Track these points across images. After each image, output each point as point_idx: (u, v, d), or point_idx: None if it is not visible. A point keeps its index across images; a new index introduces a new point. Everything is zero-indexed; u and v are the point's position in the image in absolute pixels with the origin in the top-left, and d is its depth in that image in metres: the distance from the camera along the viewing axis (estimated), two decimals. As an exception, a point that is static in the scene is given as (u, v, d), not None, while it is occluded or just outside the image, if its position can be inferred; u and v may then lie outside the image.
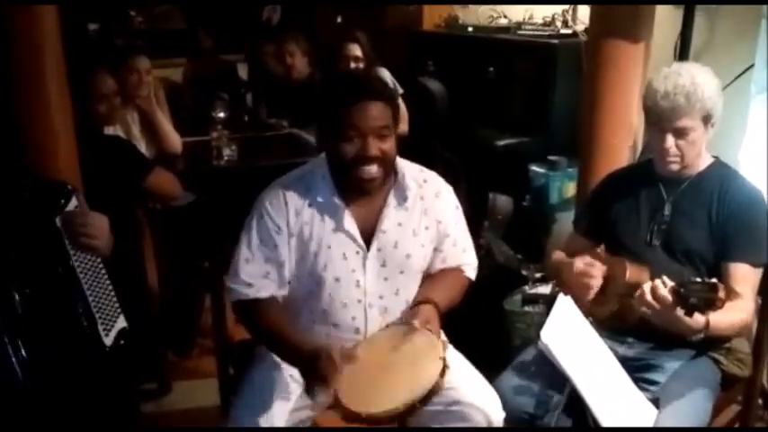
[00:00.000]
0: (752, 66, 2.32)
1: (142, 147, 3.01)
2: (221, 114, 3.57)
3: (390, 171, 1.71)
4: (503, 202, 2.94)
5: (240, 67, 5.10)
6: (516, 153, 3.12)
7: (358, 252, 1.71)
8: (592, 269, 1.71)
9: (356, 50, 3.49)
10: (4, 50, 1.95)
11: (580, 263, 1.74)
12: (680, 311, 1.44)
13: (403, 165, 1.77)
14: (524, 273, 2.70)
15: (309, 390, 1.54)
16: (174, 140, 3.20)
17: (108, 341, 1.63)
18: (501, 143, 3.16)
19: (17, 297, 1.52)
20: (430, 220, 1.77)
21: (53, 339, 1.57)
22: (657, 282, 1.49)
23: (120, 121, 2.91)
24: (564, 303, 1.51)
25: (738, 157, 2.37)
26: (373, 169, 1.63)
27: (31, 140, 1.98)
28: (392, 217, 1.73)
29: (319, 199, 1.70)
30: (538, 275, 2.67)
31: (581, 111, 2.46)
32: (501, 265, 2.79)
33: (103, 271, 1.68)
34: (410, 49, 4.09)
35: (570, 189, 2.88)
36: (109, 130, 2.70)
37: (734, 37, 2.41)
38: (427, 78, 3.66)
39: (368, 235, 1.72)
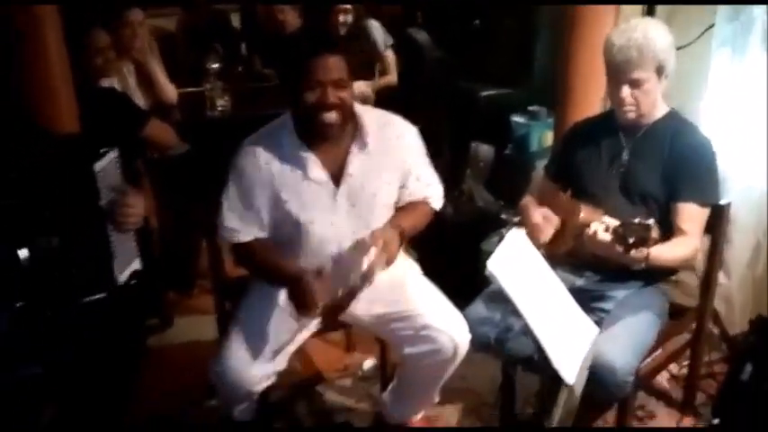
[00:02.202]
0: (712, 25, 2.44)
1: (138, 98, 3.12)
2: (215, 65, 3.66)
3: (348, 117, 1.85)
4: (484, 150, 3.08)
5: (234, 17, 5.14)
6: (499, 104, 3.24)
7: (328, 195, 1.88)
8: (545, 223, 1.90)
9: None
10: (3, 11, 2.07)
11: (537, 216, 1.92)
12: (619, 248, 1.60)
13: (363, 111, 1.92)
14: (504, 217, 2.87)
15: (293, 304, 1.79)
16: (170, 91, 3.31)
17: (121, 279, 1.81)
18: (484, 94, 3.28)
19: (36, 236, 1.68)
20: (393, 161, 1.92)
21: (73, 272, 1.73)
22: (600, 223, 1.66)
23: (117, 73, 3.01)
24: (515, 236, 1.67)
25: (700, 108, 2.50)
26: (332, 116, 1.79)
27: (33, 96, 2.10)
28: (357, 161, 1.88)
29: (287, 150, 1.86)
30: (516, 219, 2.83)
31: (557, 65, 2.58)
32: (481, 210, 2.95)
33: None
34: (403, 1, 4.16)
35: (549, 138, 3.00)
36: (105, 83, 2.80)
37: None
38: (416, 30, 3.76)
39: (336, 179, 1.88)
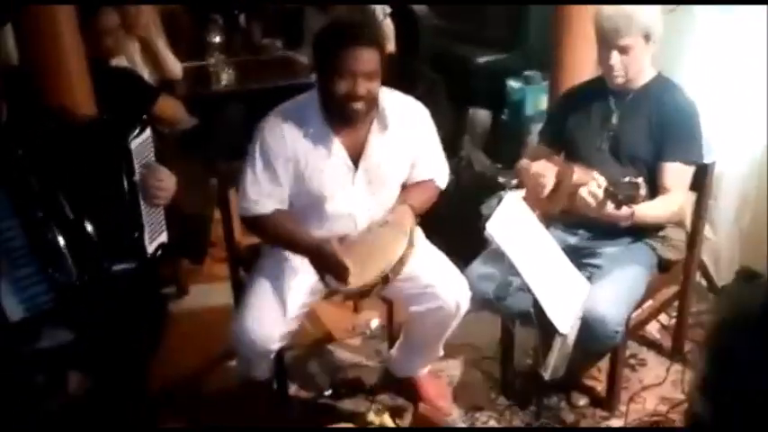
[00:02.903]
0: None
1: (145, 74, 3.19)
2: (217, 39, 3.74)
3: (374, 105, 1.94)
4: (482, 116, 3.17)
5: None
6: (494, 69, 3.32)
7: (347, 174, 1.98)
8: (545, 170, 1.99)
9: None
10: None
11: (536, 166, 2.02)
12: (610, 206, 1.72)
13: (384, 95, 1.99)
14: (501, 180, 2.98)
15: (322, 278, 1.89)
16: (174, 66, 3.38)
17: (150, 250, 1.93)
18: (481, 60, 3.36)
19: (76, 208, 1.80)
20: (408, 143, 2.03)
21: (106, 243, 1.85)
22: (593, 182, 1.77)
23: (124, 51, 3.09)
24: (512, 200, 1.80)
25: (688, 70, 2.59)
26: (359, 105, 1.88)
27: (50, 77, 2.20)
28: (376, 142, 1.98)
29: (312, 129, 1.95)
30: (513, 182, 2.94)
31: (552, 31, 2.66)
32: (480, 174, 3.05)
33: None
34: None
35: (544, 102, 3.09)
36: (113, 62, 2.90)
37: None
38: (412, -1, 3.81)
39: (355, 157, 1.98)
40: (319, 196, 1.98)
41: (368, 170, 1.99)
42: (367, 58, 1.84)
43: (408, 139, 2.03)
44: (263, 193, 1.97)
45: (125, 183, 1.86)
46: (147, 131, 1.91)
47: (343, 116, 1.92)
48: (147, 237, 1.92)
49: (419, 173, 2.09)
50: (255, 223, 2.03)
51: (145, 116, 1.96)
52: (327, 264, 1.87)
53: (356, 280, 1.79)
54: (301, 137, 1.95)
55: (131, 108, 2.51)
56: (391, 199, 2.04)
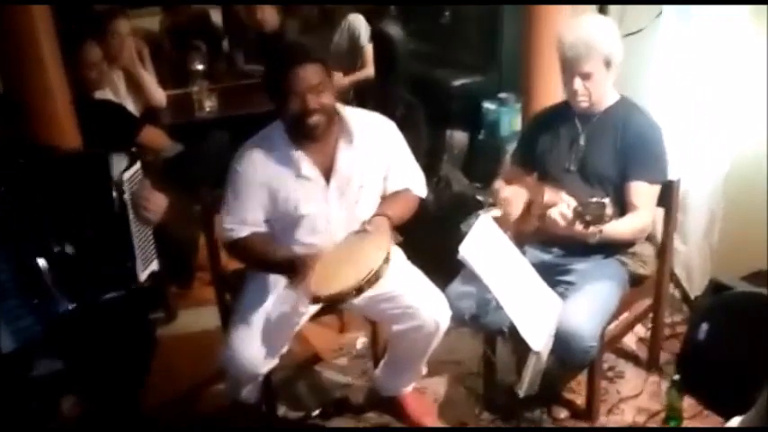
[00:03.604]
0: (660, 13, 2.62)
1: (129, 104, 3.27)
2: (200, 67, 3.81)
3: (332, 118, 2.02)
4: (459, 137, 3.26)
5: (213, 12, 5.25)
6: (470, 92, 3.41)
7: (320, 191, 2.05)
8: (514, 196, 2.09)
9: None
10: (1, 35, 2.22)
11: (506, 192, 2.11)
12: (579, 225, 1.80)
13: (348, 112, 2.08)
14: (480, 199, 3.06)
15: (293, 286, 1.93)
16: (159, 95, 3.46)
17: (142, 278, 1.99)
18: (456, 83, 3.45)
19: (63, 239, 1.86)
20: (377, 155, 2.10)
21: (100, 272, 1.91)
22: (562, 203, 1.85)
23: (108, 82, 3.16)
24: (484, 222, 1.87)
25: (653, 90, 2.69)
26: (315, 119, 1.95)
27: (36, 112, 2.27)
28: (344, 157, 2.05)
29: (280, 152, 2.03)
30: (491, 200, 3.02)
31: (521, 57, 2.76)
32: (459, 193, 3.13)
33: None
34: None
35: (518, 123, 3.18)
36: (98, 94, 2.97)
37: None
38: (389, 23, 3.90)
39: (326, 174, 2.05)
40: (296, 215, 2.05)
41: (340, 185, 2.06)
42: (310, 75, 1.92)
43: (377, 151, 2.10)
44: (235, 222, 2.06)
45: (118, 214, 1.93)
46: (137, 165, 1.98)
47: (304, 133, 1.99)
48: (139, 265, 1.98)
49: (393, 183, 2.15)
50: (234, 247, 2.10)
51: (134, 149, 2.02)
52: (297, 273, 1.90)
53: (330, 287, 1.84)
54: (271, 162, 2.02)
55: (116, 139, 2.59)
56: (366, 212, 2.10)
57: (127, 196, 1.94)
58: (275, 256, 2.00)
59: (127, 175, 1.94)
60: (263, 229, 2.08)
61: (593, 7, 2.65)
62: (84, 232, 1.90)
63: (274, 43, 4.18)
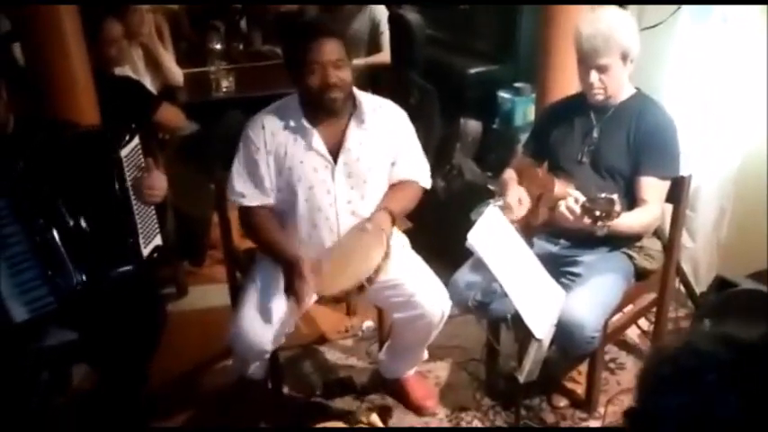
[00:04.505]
0: (678, 8, 2.61)
1: (147, 81, 3.31)
2: (218, 46, 3.84)
3: (349, 94, 2.06)
4: (473, 125, 3.27)
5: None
6: (486, 80, 3.41)
7: (327, 166, 2.09)
8: (517, 205, 2.13)
9: None
10: (23, 8, 2.25)
11: (513, 197, 2.14)
12: (587, 220, 1.82)
13: (361, 94, 2.13)
14: (491, 188, 3.07)
15: (287, 295, 1.99)
16: (176, 73, 3.50)
17: (145, 253, 2.04)
18: (472, 71, 3.46)
19: (74, 214, 1.91)
20: (386, 140, 2.13)
21: (102, 249, 1.96)
22: (570, 197, 1.87)
23: (127, 59, 3.19)
24: (493, 212, 1.89)
25: (668, 85, 2.69)
26: (335, 93, 2.00)
27: (56, 88, 2.31)
28: (354, 136, 2.09)
29: (292, 123, 2.07)
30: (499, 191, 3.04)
31: (538, 49, 2.76)
32: (470, 182, 3.15)
33: None
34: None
35: (533, 113, 3.17)
36: (117, 71, 3.00)
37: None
38: (407, 9, 3.91)
39: (335, 152, 2.09)
40: (300, 187, 2.08)
41: (347, 164, 2.09)
42: (331, 49, 1.98)
43: (386, 136, 2.13)
44: (246, 186, 2.10)
45: (118, 190, 1.97)
46: (136, 140, 2.02)
47: (322, 107, 2.03)
48: (141, 241, 2.02)
49: (399, 171, 2.19)
50: (244, 216, 2.14)
51: (133, 125, 2.04)
52: (293, 280, 1.96)
53: (332, 286, 1.89)
54: (281, 130, 2.07)
55: (134, 116, 2.62)
56: (373, 194, 2.13)
57: (127, 172, 1.97)
58: (281, 248, 2.04)
59: (125, 151, 1.97)
60: (270, 200, 2.12)
61: None
62: (90, 208, 1.94)
63: (295, 21, 4.22)
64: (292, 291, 1.96)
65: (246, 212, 2.13)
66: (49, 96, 2.30)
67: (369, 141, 2.10)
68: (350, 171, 2.10)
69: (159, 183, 2.05)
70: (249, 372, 2.27)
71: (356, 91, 2.12)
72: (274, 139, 2.07)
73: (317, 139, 2.07)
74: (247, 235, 2.23)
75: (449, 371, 2.58)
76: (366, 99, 2.13)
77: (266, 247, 2.12)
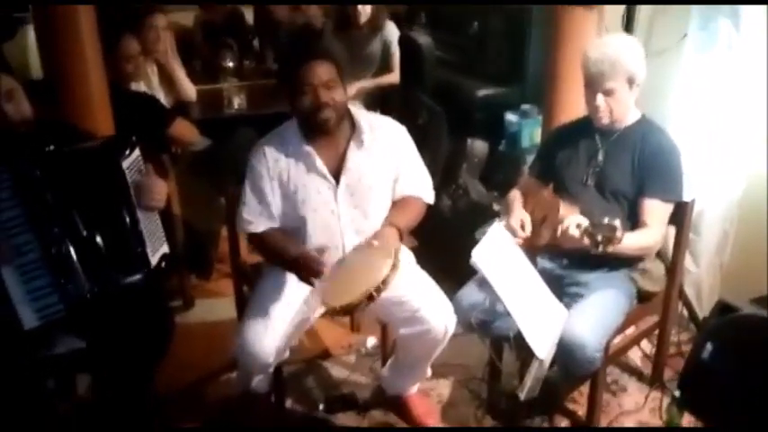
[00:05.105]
0: (685, 36, 2.66)
1: (161, 96, 3.37)
2: (230, 64, 3.91)
3: (343, 114, 2.10)
4: (479, 146, 3.31)
5: (247, 12, 5.37)
6: (494, 102, 3.46)
7: (329, 187, 2.13)
8: (520, 229, 2.14)
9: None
10: (45, 23, 2.32)
11: (515, 220, 2.16)
12: (587, 242, 1.85)
13: (359, 113, 2.17)
14: (496, 208, 3.10)
15: (309, 283, 2.02)
16: (189, 89, 3.56)
17: (153, 261, 2.07)
18: (481, 93, 3.51)
19: (85, 224, 1.95)
20: (387, 157, 2.17)
21: (111, 258, 2.00)
22: (572, 222, 1.90)
23: (143, 75, 3.26)
24: (497, 230, 1.93)
25: (673, 110, 2.73)
26: (327, 113, 2.04)
27: (74, 102, 2.38)
28: (354, 156, 2.13)
29: (292, 148, 2.12)
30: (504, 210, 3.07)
31: (546, 73, 2.80)
32: (476, 202, 3.18)
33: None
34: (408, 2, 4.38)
35: (539, 135, 3.21)
36: (132, 86, 3.07)
37: (671, 9, 2.74)
38: (418, 30, 3.98)
39: (336, 173, 2.13)
40: (305, 209, 2.12)
41: (349, 184, 2.13)
42: (323, 70, 2.02)
43: (387, 154, 2.17)
44: (252, 214, 2.15)
45: (124, 200, 2.01)
46: (136, 151, 2.06)
47: (316, 127, 2.07)
48: (149, 249, 2.06)
49: (403, 188, 2.22)
50: (253, 240, 2.20)
51: (134, 137, 2.08)
52: (304, 265, 2.00)
53: (340, 298, 1.91)
54: (283, 156, 2.12)
55: (148, 130, 2.68)
56: (377, 213, 2.17)
57: (129, 182, 2.01)
58: (286, 251, 2.08)
59: (126, 163, 2.01)
60: (276, 224, 2.16)
61: (620, 25, 2.70)
62: (98, 218, 1.98)
63: (294, 41, 4.30)
64: (308, 272, 1.99)
65: (255, 238, 2.18)
66: (67, 109, 2.36)
67: (369, 160, 2.15)
68: (352, 191, 2.14)
69: (160, 188, 2.09)
70: (253, 385, 2.29)
71: (354, 110, 2.17)
72: (277, 164, 2.12)
73: (318, 161, 2.11)
74: (256, 251, 2.28)
75: (451, 389, 2.60)
76: (364, 118, 2.17)
77: (275, 254, 2.14)
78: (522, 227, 2.15)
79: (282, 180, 2.12)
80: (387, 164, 2.18)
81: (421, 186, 2.25)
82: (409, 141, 2.25)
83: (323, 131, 2.09)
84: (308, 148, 2.10)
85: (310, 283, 2.01)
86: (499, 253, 1.86)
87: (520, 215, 2.19)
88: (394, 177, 2.21)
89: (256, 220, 2.15)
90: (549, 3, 2.73)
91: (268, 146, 2.14)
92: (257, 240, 2.18)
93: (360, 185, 2.14)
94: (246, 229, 2.17)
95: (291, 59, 2.09)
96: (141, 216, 2.05)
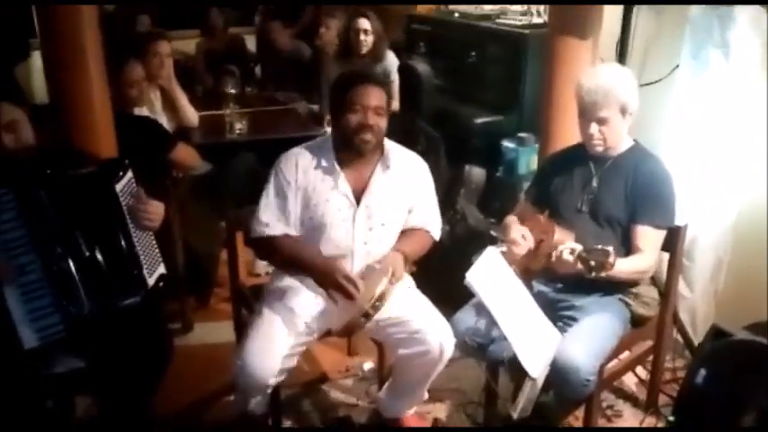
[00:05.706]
0: (677, 66, 2.73)
1: (164, 121, 3.42)
2: (232, 91, 3.97)
3: (381, 140, 2.20)
4: (477, 173, 3.36)
5: (248, 39, 5.47)
6: (491, 130, 3.53)
7: (349, 207, 2.19)
8: (522, 241, 2.19)
9: (365, 24, 3.95)
10: (51, 48, 2.38)
11: (517, 234, 2.20)
12: (580, 267, 1.88)
13: (391, 144, 2.26)
14: (493, 234, 3.14)
15: (331, 296, 2.08)
16: (191, 114, 3.62)
17: (150, 282, 2.10)
18: (478, 121, 3.57)
19: (84, 246, 1.98)
20: (407, 188, 2.25)
21: (109, 279, 2.02)
22: (566, 247, 1.94)
23: (146, 100, 3.31)
24: (491, 254, 1.96)
25: (667, 138, 2.78)
26: (369, 136, 2.12)
27: (78, 126, 2.42)
28: (378, 181, 2.20)
29: (324, 163, 2.19)
30: (501, 236, 3.10)
31: (542, 98, 2.87)
32: (473, 228, 3.22)
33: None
34: (407, 32, 4.47)
35: (536, 162, 3.27)
36: (136, 111, 3.12)
37: (664, 39, 2.81)
38: (417, 59, 4.06)
39: (358, 194, 2.20)
40: (323, 224, 2.18)
41: (369, 206, 2.19)
42: (376, 95, 2.13)
43: (408, 184, 2.25)
44: (273, 217, 2.19)
45: (118, 222, 2.04)
46: (129, 174, 2.09)
47: (354, 148, 2.14)
48: (145, 270, 2.09)
49: (415, 219, 2.29)
50: (266, 244, 2.23)
51: (126, 161, 2.11)
52: (334, 280, 2.06)
53: (340, 319, 1.95)
54: (312, 168, 2.19)
55: (151, 154, 2.73)
56: (388, 239, 2.23)
57: (123, 205, 2.04)
58: (311, 257, 2.15)
59: (119, 186, 2.05)
60: (293, 232, 2.21)
61: (613, 56, 2.76)
62: (95, 241, 2.01)
63: (306, 71, 4.40)
64: (341, 291, 2.05)
65: (268, 242, 2.21)
66: (71, 133, 2.40)
67: (391, 187, 2.22)
68: (370, 213, 2.20)
69: (155, 208, 2.11)
70: (250, 406, 2.30)
71: (386, 141, 2.25)
72: (306, 176, 2.18)
73: (343, 181, 2.18)
74: (269, 260, 2.32)
75: (447, 412, 2.61)
76: (394, 148, 2.26)
77: (294, 258, 2.19)
78: (524, 237, 2.19)
79: (307, 191, 2.19)
80: (406, 194, 2.25)
81: (431, 221, 2.33)
82: (429, 178, 2.33)
83: (358, 153, 2.16)
84: (337, 167, 2.18)
85: (332, 295, 2.06)
86: (493, 275, 1.89)
87: (520, 230, 2.24)
88: (409, 208, 2.28)
89: (274, 223, 2.19)
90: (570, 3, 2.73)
91: (301, 156, 2.20)
92: (269, 245, 2.21)
93: (378, 210, 2.21)
94: (262, 231, 2.20)
95: (348, 81, 2.17)
96: (136, 237, 2.08)
